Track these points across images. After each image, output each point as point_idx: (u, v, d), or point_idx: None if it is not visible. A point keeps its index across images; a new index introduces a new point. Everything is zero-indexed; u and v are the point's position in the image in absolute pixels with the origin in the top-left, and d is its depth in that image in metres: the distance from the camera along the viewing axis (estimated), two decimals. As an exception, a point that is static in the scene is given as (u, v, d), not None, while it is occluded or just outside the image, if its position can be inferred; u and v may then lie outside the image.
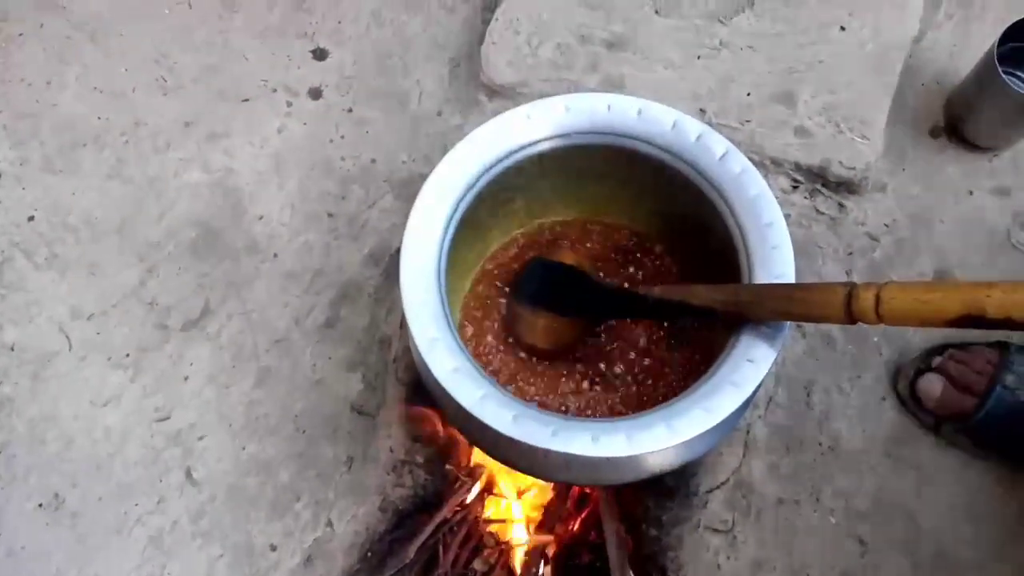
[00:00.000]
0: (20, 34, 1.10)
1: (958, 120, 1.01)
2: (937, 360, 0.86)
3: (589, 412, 0.78)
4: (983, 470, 0.86)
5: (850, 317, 0.56)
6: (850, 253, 0.96)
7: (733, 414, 0.62)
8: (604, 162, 0.76)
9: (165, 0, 1.12)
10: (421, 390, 0.86)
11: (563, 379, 0.80)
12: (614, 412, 0.79)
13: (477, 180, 0.72)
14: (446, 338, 0.65)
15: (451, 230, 0.71)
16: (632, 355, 0.80)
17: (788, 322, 0.65)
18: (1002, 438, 0.84)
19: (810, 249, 0.95)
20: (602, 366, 0.80)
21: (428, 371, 0.64)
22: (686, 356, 0.79)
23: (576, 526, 0.89)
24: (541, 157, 0.75)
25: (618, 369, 0.80)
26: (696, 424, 0.61)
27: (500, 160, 0.73)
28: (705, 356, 0.78)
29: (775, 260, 0.66)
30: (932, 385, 0.85)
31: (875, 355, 0.91)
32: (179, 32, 1.10)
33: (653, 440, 0.60)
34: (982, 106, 0.96)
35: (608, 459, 0.60)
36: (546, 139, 0.74)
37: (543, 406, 0.78)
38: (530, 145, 0.74)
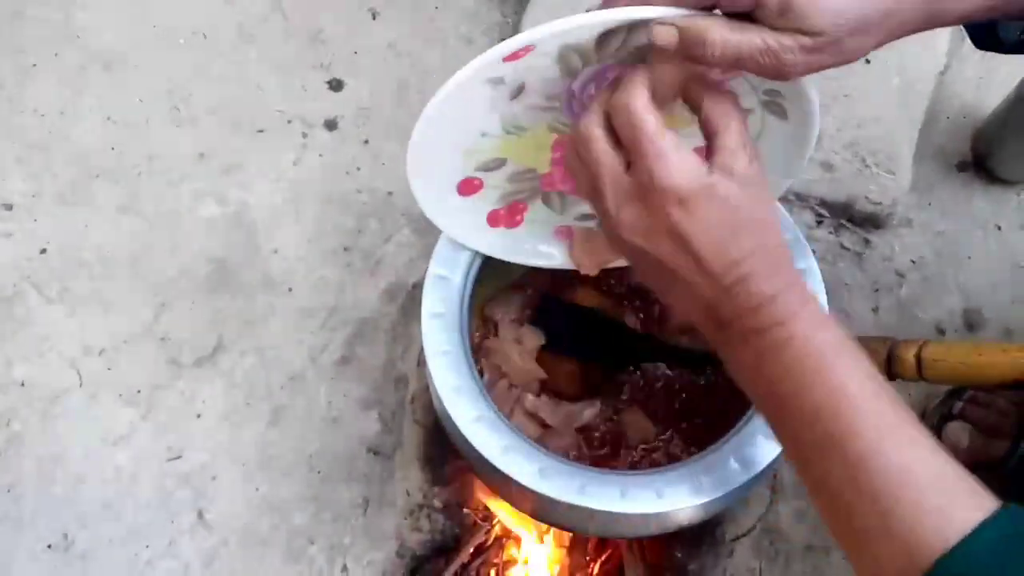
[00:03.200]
0: (34, 64, 1.09)
1: (985, 154, 0.99)
2: (959, 406, 0.84)
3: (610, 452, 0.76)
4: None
5: (890, 375, 0.54)
6: (876, 290, 0.93)
7: (768, 466, 0.60)
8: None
9: (180, 31, 1.11)
10: (440, 433, 0.84)
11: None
12: (639, 455, 0.77)
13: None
14: (469, 386, 0.63)
15: (472, 272, 0.69)
16: (656, 400, 0.78)
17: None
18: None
19: (836, 285, 0.93)
20: (624, 407, 0.78)
21: (450, 420, 0.62)
22: (715, 401, 0.77)
23: (596, 571, 0.87)
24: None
25: (643, 410, 0.78)
26: (729, 479, 0.59)
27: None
28: (734, 400, 0.76)
29: (809, 307, 0.64)
30: (958, 435, 0.82)
31: (904, 396, 0.88)
32: (194, 63, 1.09)
33: (684, 496, 0.58)
34: (1011, 140, 0.95)
35: (637, 515, 0.58)
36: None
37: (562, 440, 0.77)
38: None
